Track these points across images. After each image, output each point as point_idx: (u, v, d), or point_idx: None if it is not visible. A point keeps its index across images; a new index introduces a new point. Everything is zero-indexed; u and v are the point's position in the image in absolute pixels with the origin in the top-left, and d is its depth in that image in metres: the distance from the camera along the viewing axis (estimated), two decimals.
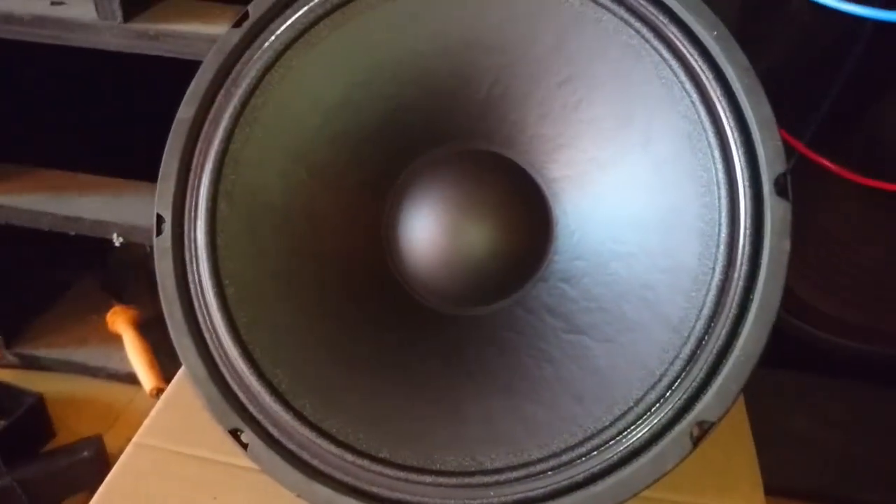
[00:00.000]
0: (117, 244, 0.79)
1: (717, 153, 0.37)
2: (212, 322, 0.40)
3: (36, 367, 0.96)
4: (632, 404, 0.37)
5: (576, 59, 0.41)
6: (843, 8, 0.43)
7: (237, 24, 0.42)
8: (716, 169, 0.37)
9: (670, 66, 0.38)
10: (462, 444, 0.39)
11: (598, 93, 0.41)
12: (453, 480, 0.38)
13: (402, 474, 0.38)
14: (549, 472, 0.37)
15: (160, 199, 0.42)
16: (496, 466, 0.38)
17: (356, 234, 0.45)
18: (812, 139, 0.57)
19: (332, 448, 0.38)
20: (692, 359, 0.36)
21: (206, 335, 0.40)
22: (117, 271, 1.05)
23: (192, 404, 0.43)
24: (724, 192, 0.37)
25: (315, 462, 0.39)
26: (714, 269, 0.36)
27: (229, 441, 0.39)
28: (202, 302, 0.40)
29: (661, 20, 0.38)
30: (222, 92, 0.42)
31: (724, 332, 0.36)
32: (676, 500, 0.46)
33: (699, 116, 0.37)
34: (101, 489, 0.46)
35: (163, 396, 0.52)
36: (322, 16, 0.41)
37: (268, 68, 0.41)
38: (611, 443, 0.37)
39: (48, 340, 0.98)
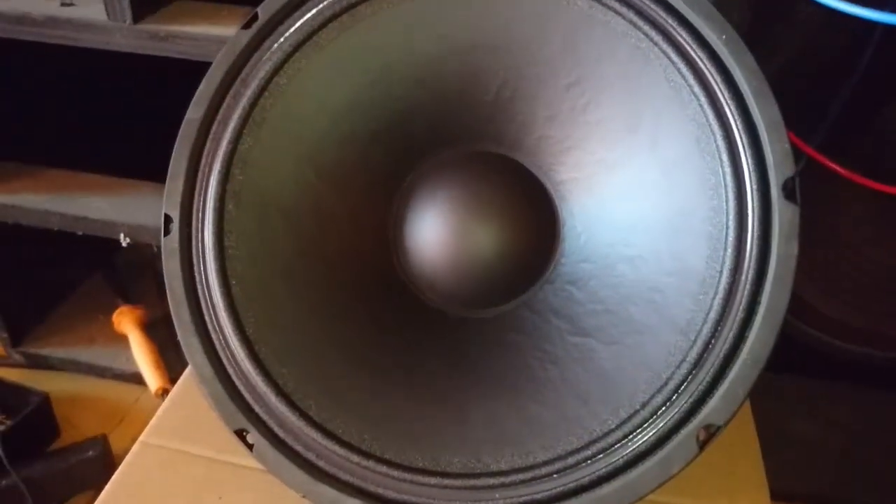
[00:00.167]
0: (124, 244, 0.80)
1: (725, 156, 0.37)
2: (219, 322, 0.40)
3: (42, 366, 0.97)
4: (638, 407, 0.37)
5: (584, 62, 0.41)
6: (853, 11, 0.43)
7: (247, 26, 0.42)
8: (724, 172, 0.37)
9: (679, 70, 0.38)
10: (468, 445, 0.39)
11: (606, 95, 0.41)
12: (459, 482, 0.38)
13: (407, 475, 0.38)
14: (555, 475, 0.37)
15: (168, 199, 0.42)
16: (502, 468, 0.38)
17: (364, 235, 0.46)
18: (821, 142, 0.57)
19: (338, 449, 0.39)
20: (699, 362, 0.36)
21: (213, 335, 0.40)
22: (124, 271, 1.06)
23: (199, 404, 0.43)
24: (731, 195, 0.36)
25: (321, 463, 0.39)
26: (721, 272, 0.36)
27: (235, 441, 0.39)
28: (209, 302, 0.40)
29: (670, 23, 0.38)
30: (231, 93, 0.42)
31: (731, 335, 0.36)
32: None
33: (707, 119, 0.37)
34: (106, 488, 0.46)
35: (169, 396, 0.52)
36: (331, 18, 0.42)
37: (276, 70, 0.41)
38: (617, 446, 0.37)
39: (55, 340, 0.98)
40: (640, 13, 0.39)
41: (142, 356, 0.90)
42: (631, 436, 0.37)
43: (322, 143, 0.44)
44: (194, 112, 0.42)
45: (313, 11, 0.42)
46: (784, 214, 0.36)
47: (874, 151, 0.67)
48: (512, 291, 0.45)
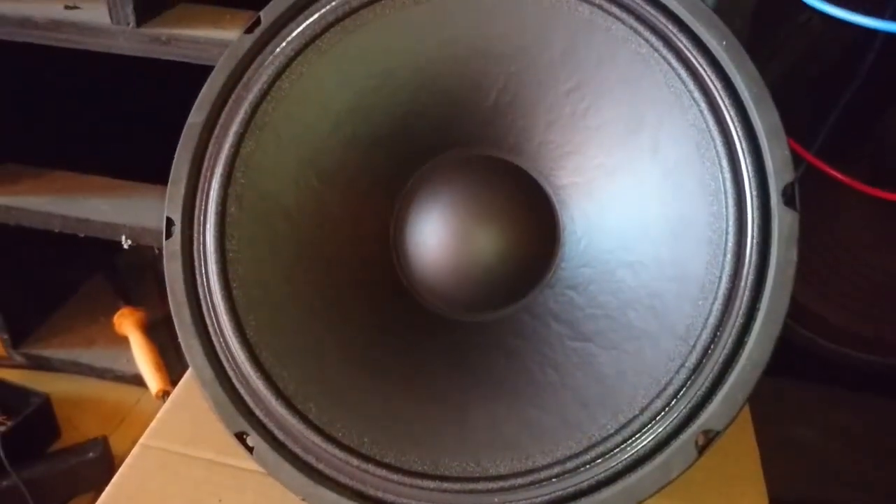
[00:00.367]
0: (126, 246, 0.80)
1: (725, 162, 0.37)
2: (219, 325, 0.40)
3: (43, 367, 0.97)
4: (637, 412, 0.37)
5: (584, 67, 0.41)
6: (853, 20, 0.43)
7: (249, 30, 0.43)
8: (723, 178, 0.37)
9: (679, 75, 0.38)
10: (467, 449, 0.39)
11: (607, 100, 0.41)
12: (458, 486, 0.38)
13: (407, 479, 0.38)
14: (554, 479, 0.37)
15: (170, 202, 0.42)
16: (501, 472, 0.38)
17: (365, 239, 0.46)
18: (821, 149, 0.57)
19: (338, 452, 0.39)
20: (698, 367, 0.36)
21: (214, 338, 0.41)
22: (125, 273, 1.06)
23: (199, 406, 0.43)
24: (731, 201, 0.37)
25: (320, 466, 0.39)
26: (721, 277, 0.36)
27: (235, 444, 0.39)
28: (210, 305, 0.41)
29: (671, 29, 0.38)
30: (233, 97, 0.42)
31: (730, 340, 0.36)
32: None
33: (707, 125, 0.37)
34: (106, 490, 0.46)
35: (169, 398, 0.52)
36: (333, 23, 0.42)
37: (279, 74, 0.42)
38: (616, 450, 0.37)
39: (56, 341, 0.98)
40: (640, 19, 0.39)
41: (142, 358, 0.90)
42: (630, 440, 0.37)
43: (324, 146, 0.44)
44: (196, 116, 0.42)
45: (315, 16, 0.42)
46: (784, 220, 0.36)
47: (874, 158, 0.67)
48: (512, 296, 0.45)
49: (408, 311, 0.46)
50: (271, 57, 0.42)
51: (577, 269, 0.44)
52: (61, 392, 0.91)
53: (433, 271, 0.45)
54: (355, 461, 0.39)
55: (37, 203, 0.81)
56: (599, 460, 0.37)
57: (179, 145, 0.42)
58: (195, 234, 0.42)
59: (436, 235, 0.45)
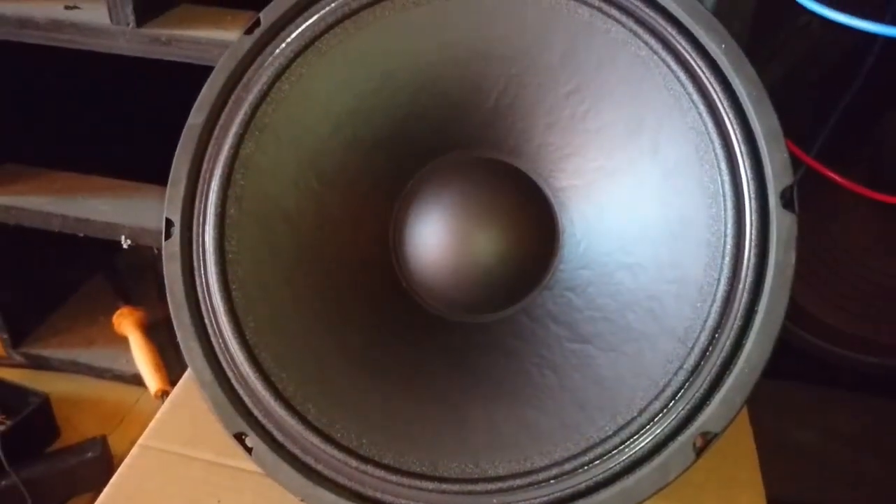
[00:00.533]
0: (125, 246, 0.80)
1: (723, 165, 0.37)
2: (219, 326, 0.40)
3: (43, 367, 0.97)
4: (635, 414, 0.37)
5: (584, 70, 0.41)
6: (852, 24, 0.43)
7: (249, 31, 0.43)
8: (722, 180, 0.37)
9: (678, 78, 0.38)
10: (466, 450, 0.39)
11: (606, 103, 0.41)
12: (456, 487, 0.38)
13: (405, 480, 0.38)
14: (552, 481, 0.37)
15: (170, 203, 0.42)
16: (499, 474, 0.38)
17: (365, 240, 0.46)
18: (820, 152, 0.57)
19: (337, 453, 0.39)
20: (696, 370, 0.36)
21: (213, 339, 0.41)
22: (125, 273, 1.06)
23: (198, 407, 0.43)
24: (730, 204, 0.37)
25: (319, 467, 0.39)
26: (719, 280, 0.37)
27: (234, 444, 0.39)
28: (209, 306, 0.41)
29: (670, 32, 0.38)
30: (233, 98, 0.42)
31: (728, 343, 0.36)
32: None
33: (706, 128, 0.37)
34: (105, 490, 0.46)
35: (168, 399, 0.52)
36: (333, 24, 0.42)
37: (278, 75, 0.42)
38: (614, 452, 0.37)
39: (55, 341, 0.98)
40: (640, 22, 0.39)
41: (142, 358, 0.90)
42: (628, 442, 0.37)
43: (324, 148, 0.44)
44: (196, 117, 0.42)
45: (315, 17, 0.42)
46: (782, 223, 0.36)
47: (873, 161, 0.67)
48: (511, 297, 0.45)
49: (407, 312, 0.46)
50: (271, 58, 0.42)
51: (575, 270, 0.44)
52: (60, 392, 0.91)
53: (433, 273, 0.45)
54: (354, 462, 0.39)
55: (36, 203, 0.81)
56: (597, 462, 0.37)
57: (179, 146, 0.42)
58: (194, 236, 0.42)
59: (435, 237, 0.45)
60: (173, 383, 0.68)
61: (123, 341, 0.94)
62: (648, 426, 0.37)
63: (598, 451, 0.37)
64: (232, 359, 0.40)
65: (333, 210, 0.44)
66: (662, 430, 0.36)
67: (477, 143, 0.46)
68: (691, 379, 0.36)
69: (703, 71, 0.38)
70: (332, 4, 0.42)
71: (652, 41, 0.38)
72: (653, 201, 0.41)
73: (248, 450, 0.39)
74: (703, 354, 0.36)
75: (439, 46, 0.43)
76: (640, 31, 0.39)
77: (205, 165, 0.42)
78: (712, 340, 0.36)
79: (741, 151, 0.37)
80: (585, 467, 0.37)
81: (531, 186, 0.45)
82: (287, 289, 0.42)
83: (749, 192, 0.36)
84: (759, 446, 0.51)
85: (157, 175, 0.48)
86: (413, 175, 0.47)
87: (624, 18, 0.39)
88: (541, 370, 0.42)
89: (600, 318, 0.42)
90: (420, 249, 0.46)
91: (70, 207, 0.81)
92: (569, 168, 0.44)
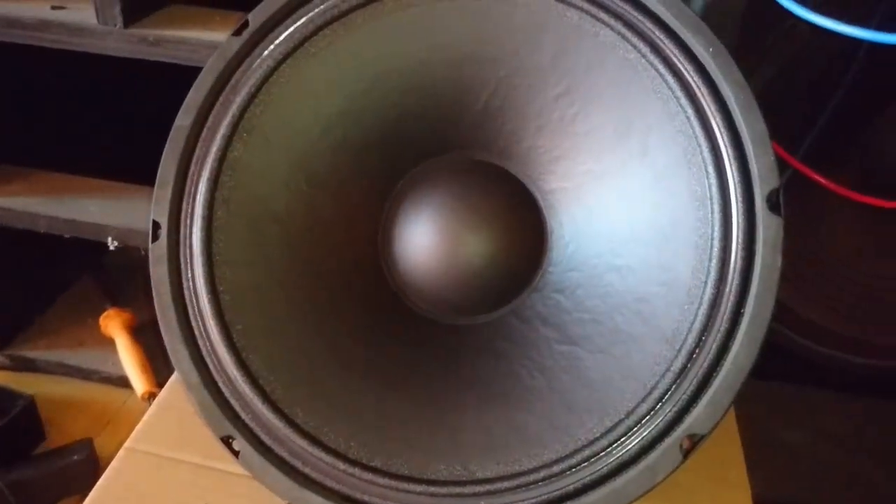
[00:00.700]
0: (112, 248, 0.79)
1: (711, 168, 0.37)
2: (206, 329, 0.40)
3: (29, 369, 0.96)
4: (623, 416, 0.37)
5: (573, 73, 0.41)
6: (839, 30, 0.43)
7: (237, 33, 0.42)
8: (709, 183, 0.37)
9: (666, 82, 0.38)
10: (454, 453, 0.39)
11: (595, 106, 0.42)
12: (444, 490, 0.38)
13: (394, 483, 0.38)
14: (541, 483, 0.37)
15: (157, 205, 0.42)
16: (488, 476, 0.38)
17: (354, 242, 0.46)
18: (808, 155, 0.57)
19: (325, 456, 0.39)
20: (683, 371, 0.37)
21: (200, 342, 0.40)
22: (113, 274, 1.05)
23: (185, 410, 0.43)
24: (717, 207, 0.37)
25: (307, 470, 0.39)
26: (706, 282, 0.37)
27: (221, 447, 0.39)
28: (197, 308, 0.40)
29: (659, 36, 0.38)
30: (221, 100, 0.42)
31: (714, 345, 0.36)
32: None
33: (694, 131, 0.38)
34: (92, 494, 0.46)
35: (155, 401, 0.52)
36: (322, 26, 0.42)
37: (267, 77, 0.42)
38: (602, 454, 0.37)
39: (42, 343, 0.98)
40: (629, 25, 0.39)
41: (129, 359, 0.90)
42: (616, 444, 0.37)
43: (313, 150, 0.44)
44: (184, 119, 0.42)
45: (304, 19, 0.42)
46: (769, 226, 0.36)
47: (860, 163, 0.68)
48: (501, 299, 0.45)
49: (396, 314, 0.46)
50: (259, 60, 0.42)
51: (564, 273, 0.44)
52: (47, 394, 0.90)
53: (422, 274, 0.45)
54: (342, 465, 0.38)
55: (23, 203, 0.81)
56: (585, 464, 0.37)
57: (166, 148, 0.42)
58: (182, 238, 0.41)
59: (425, 239, 0.45)
60: (161, 385, 0.68)
61: (110, 343, 0.94)
62: (636, 428, 0.37)
63: (587, 452, 0.37)
64: (219, 361, 0.40)
65: (323, 212, 0.44)
66: (650, 432, 0.36)
67: (467, 145, 0.46)
68: (678, 381, 0.37)
69: (690, 74, 0.38)
70: (322, 6, 0.42)
71: (640, 45, 0.39)
72: (641, 204, 0.41)
73: (236, 453, 0.39)
74: (691, 356, 0.37)
75: (429, 48, 0.43)
76: (628, 34, 0.39)
77: (192, 167, 0.42)
78: (699, 342, 0.37)
79: (728, 155, 0.37)
80: (574, 469, 0.37)
81: (520, 189, 0.45)
82: (275, 291, 0.42)
83: (736, 195, 0.37)
84: (746, 446, 0.51)
85: (144, 176, 0.48)
86: (403, 177, 0.47)
87: (613, 22, 0.39)
88: (530, 372, 0.42)
89: (589, 319, 0.42)
90: (410, 251, 0.46)
91: (57, 208, 0.80)
92: (558, 170, 0.44)
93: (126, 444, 0.48)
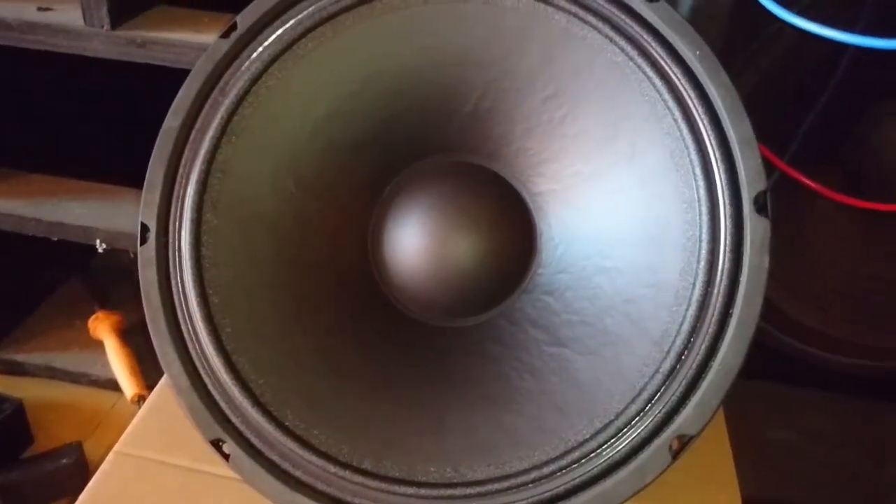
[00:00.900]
0: (101, 250, 0.79)
1: (698, 170, 0.37)
2: (195, 332, 0.40)
3: (17, 372, 0.95)
4: (612, 417, 0.37)
5: (562, 75, 0.42)
6: (825, 34, 0.44)
7: (225, 35, 0.42)
8: (697, 186, 0.37)
9: (654, 84, 0.38)
10: (445, 455, 0.39)
11: (584, 108, 0.42)
12: (435, 492, 0.38)
13: (384, 485, 0.38)
14: (531, 484, 0.38)
15: (145, 208, 0.41)
16: (478, 478, 0.38)
17: (343, 245, 0.46)
18: (795, 158, 0.58)
19: (315, 459, 0.39)
20: (672, 373, 0.37)
21: (190, 345, 0.40)
22: (101, 276, 1.05)
23: (175, 413, 0.43)
24: (705, 209, 0.37)
25: (297, 473, 0.39)
26: (694, 284, 0.37)
27: (211, 451, 0.39)
28: (186, 311, 0.40)
29: (646, 39, 0.39)
30: (209, 102, 0.42)
31: (703, 347, 0.36)
32: None
33: (682, 134, 0.38)
34: (81, 498, 0.45)
35: (145, 405, 0.52)
36: (311, 28, 0.42)
37: (255, 79, 0.41)
38: (591, 455, 0.37)
39: (30, 346, 0.97)
40: (616, 29, 0.39)
41: (118, 362, 0.89)
42: (606, 445, 0.37)
43: (302, 152, 0.44)
44: (172, 121, 0.42)
45: (292, 21, 0.42)
46: (756, 228, 0.36)
47: (847, 166, 0.68)
48: (490, 301, 0.45)
49: (385, 316, 0.46)
50: (248, 62, 0.42)
51: (554, 274, 0.44)
52: (35, 397, 0.90)
53: (411, 277, 0.46)
54: (332, 468, 0.38)
55: (9, 206, 0.80)
56: (575, 465, 0.37)
57: (154, 150, 0.42)
58: (170, 241, 0.41)
59: (413, 242, 0.45)
60: (150, 388, 0.68)
61: (99, 346, 0.93)
62: (626, 429, 0.37)
63: (576, 454, 0.37)
64: (209, 365, 0.40)
65: (312, 214, 0.44)
66: (639, 433, 0.37)
67: (456, 147, 0.46)
68: (667, 382, 0.37)
69: (678, 77, 0.38)
70: (310, 8, 0.42)
71: (628, 48, 0.39)
72: (630, 206, 0.41)
73: (226, 456, 0.39)
74: (679, 358, 0.37)
75: (418, 51, 0.43)
76: (616, 37, 0.39)
77: (181, 170, 0.42)
78: (688, 344, 0.37)
79: (716, 157, 0.37)
80: (564, 470, 0.37)
81: (509, 191, 0.45)
82: (265, 294, 0.42)
83: (723, 197, 0.37)
84: (735, 446, 0.51)
85: (133, 178, 0.48)
86: (392, 179, 0.47)
87: (600, 25, 0.39)
88: (520, 374, 0.42)
89: (578, 321, 0.42)
90: (399, 254, 0.46)
91: (44, 211, 0.79)
92: (547, 173, 0.44)
93: (115, 448, 0.48)
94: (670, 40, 0.38)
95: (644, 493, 0.37)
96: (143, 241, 0.41)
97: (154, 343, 0.40)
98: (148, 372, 0.88)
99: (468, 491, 0.38)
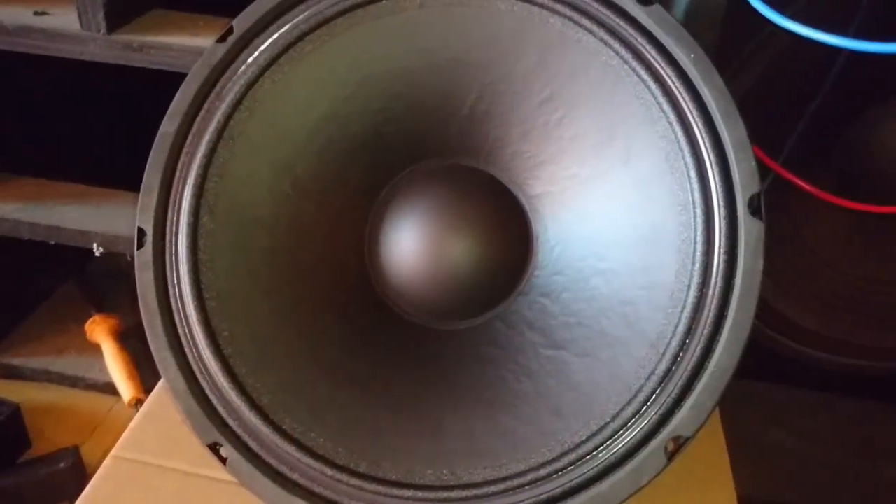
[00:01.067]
0: (98, 254, 0.79)
1: (693, 173, 0.37)
2: (192, 335, 0.40)
3: (13, 376, 0.95)
4: (609, 419, 0.37)
5: (557, 78, 0.42)
6: (817, 38, 0.44)
7: (222, 39, 0.43)
8: (692, 188, 0.38)
9: (649, 87, 0.39)
10: (442, 458, 0.39)
11: (579, 111, 0.42)
12: (432, 495, 0.38)
13: (381, 489, 0.38)
14: (528, 487, 0.38)
15: (142, 212, 0.42)
16: (475, 481, 0.38)
17: (340, 249, 0.46)
18: (789, 160, 0.58)
19: (312, 462, 0.39)
20: (668, 375, 0.37)
21: (187, 349, 0.40)
22: (98, 280, 1.04)
23: (172, 417, 0.43)
24: (699, 211, 0.37)
25: (295, 476, 0.39)
26: (689, 286, 0.37)
27: (209, 455, 0.39)
28: (183, 315, 0.40)
29: (641, 42, 0.39)
30: (206, 106, 0.42)
31: (698, 348, 0.36)
32: None
33: (676, 137, 0.38)
34: (78, 502, 0.45)
35: (142, 409, 0.52)
36: (307, 32, 0.42)
37: (252, 83, 0.42)
38: (588, 457, 0.37)
39: (26, 349, 0.96)
40: (611, 32, 0.39)
41: (115, 366, 0.89)
42: (602, 447, 0.37)
43: (299, 155, 0.44)
44: (168, 125, 0.42)
45: (288, 25, 0.42)
46: (750, 230, 0.37)
47: (840, 167, 0.68)
48: (486, 304, 0.45)
49: (382, 319, 0.46)
50: (244, 66, 0.42)
51: (550, 276, 0.44)
52: (32, 401, 0.89)
53: (408, 280, 0.46)
54: (329, 471, 0.39)
55: (6, 210, 0.80)
56: (572, 467, 0.37)
57: (151, 154, 0.42)
58: (167, 245, 0.41)
59: (410, 245, 0.45)
60: (148, 391, 0.68)
61: (96, 349, 0.93)
62: (622, 431, 0.37)
63: (573, 456, 0.37)
64: (206, 368, 0.40)
65: (309, 218, 0.44)
66: (635, 435, 0.37)
67: (452, 150, 0.46)
68: (663, 384, 0.37)
69: (672, 81, 0.38)
70: (307, 12, 0.42)
71: (623, 51, 0.39)
72: (625, 208, 0.41)
73: (223, 460, 0.39)
74: (675, 360, 0.37)
75: (414, 54, 0.43)
76: (611, 40, 0.39)
77: (177, 174, 0.42)
78: (683, 346, 0.37)
79: (710, 160, 0.37)
80: (560, 473, 0.37)
81: (505, 193, 0.45)
82: (262, 297, 0.42)
83: (718, 199, 0.37)
84: (731, 447, 0.51)
85: (129, 182, 0.48)
86: (388, 182, 0.47)
87: (595, 28, 0.39)
88: (516, 376, 0.42)
89: (575, 323, 0.42)
90: (395, 257, 0.46)
91: (40, 215, 0.79)
92: (543, 175, 0.44)
93: (112, 452, 0.48)
94: (665, 43, 0.39)
95: (640, 494, 0.37)
96: (140, 244, 0.41)
97: (151, 346, 0.40)
98: (145, 376, 0.88)
99: (465, 493, 0.38)
